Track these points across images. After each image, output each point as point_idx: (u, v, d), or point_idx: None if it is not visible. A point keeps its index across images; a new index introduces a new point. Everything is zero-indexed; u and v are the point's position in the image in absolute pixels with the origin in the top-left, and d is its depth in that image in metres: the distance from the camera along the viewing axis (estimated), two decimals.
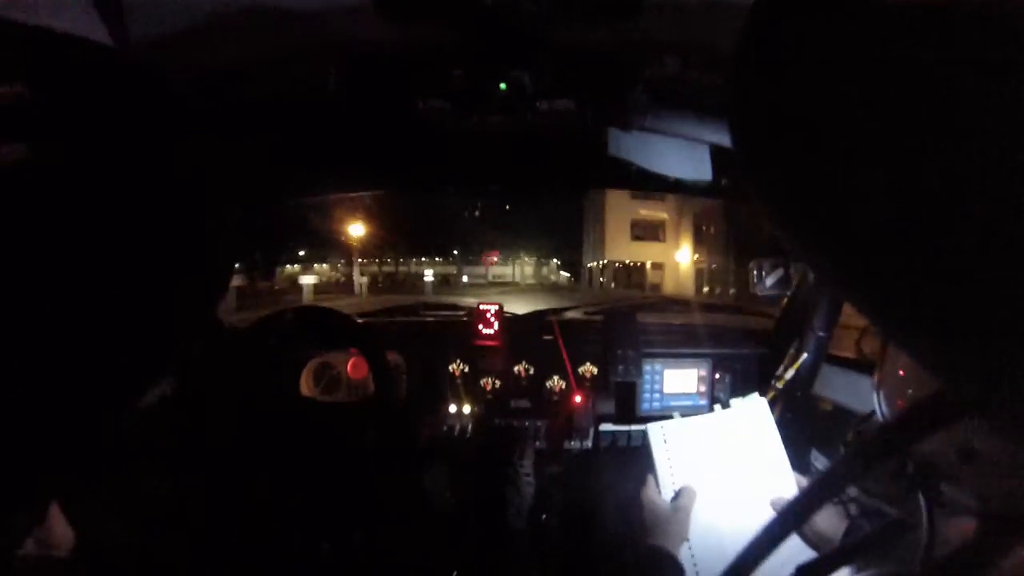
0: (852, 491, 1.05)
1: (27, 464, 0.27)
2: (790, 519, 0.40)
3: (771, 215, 0.32)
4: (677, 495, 0.95)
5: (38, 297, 0.25)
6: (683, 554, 0.89)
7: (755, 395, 1.17)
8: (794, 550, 0.90)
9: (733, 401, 1.17)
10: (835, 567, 0.66)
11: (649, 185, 1.27)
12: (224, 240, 0.35)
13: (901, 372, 0.68)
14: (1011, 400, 0.24)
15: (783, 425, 1.08)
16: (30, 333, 0.25)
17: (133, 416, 0.88)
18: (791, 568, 0.66)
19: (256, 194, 1.36)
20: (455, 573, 1.36)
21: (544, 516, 1.45)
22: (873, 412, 0.64)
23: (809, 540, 0.91)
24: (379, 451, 1.38)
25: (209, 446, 1.12)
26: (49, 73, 0.27)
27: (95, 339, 0.27)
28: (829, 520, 0.91)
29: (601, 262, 27.68)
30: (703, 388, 1.57)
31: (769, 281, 1.28)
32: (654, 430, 1.05)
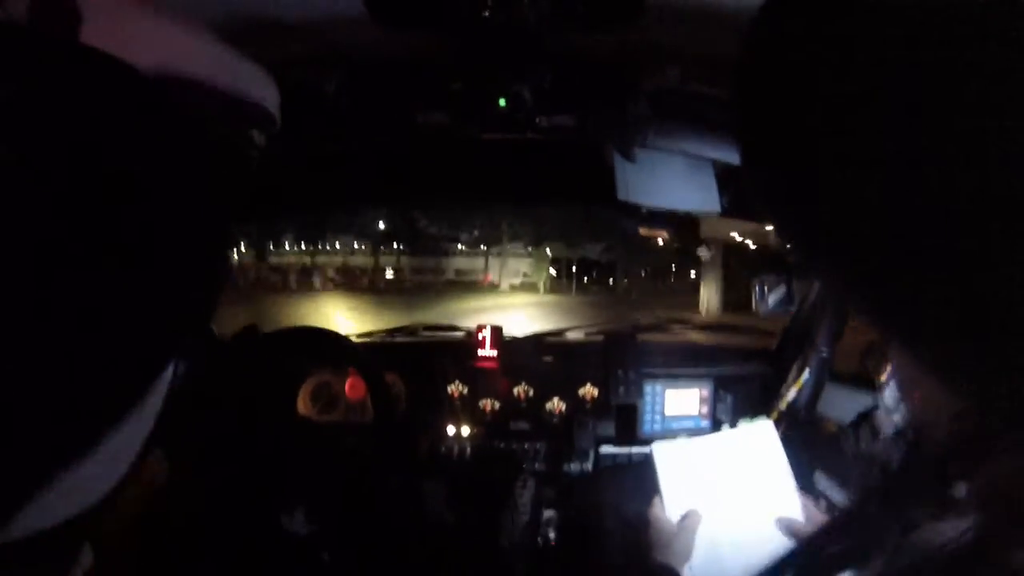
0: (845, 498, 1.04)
1: (26, 465, 0.26)
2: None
3: (776, 220, 0.32)
4: (684, 516, 0.94)
5: (33, 297, 0.25)
6: (684, 573, 0.88)
7: (763, 418, 1.16)
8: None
9: (741, 423, 1.16)
10: (828, 570, 0.64)
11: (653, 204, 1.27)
12: (222, 240, 0.35)
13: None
14: (1011, 401, 0.24)
15: (786, 445, 1.06)
16: (27, 333, 0.25)
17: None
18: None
19: (252, 204, 1.36)
20: None
21: (540, 539, 1.42)
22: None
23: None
24: (377, 472, 1.36)
25: (206, 463, 1.10)
26: (48, 75, 0.27)
27: (88, 341, 0.27)
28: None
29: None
30: (705, 409, 1.56)
31: (772, 299, 1.28)
32: (659, 449, 1.04)
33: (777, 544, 0.93)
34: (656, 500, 0.99)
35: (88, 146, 0.27)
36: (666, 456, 1.03)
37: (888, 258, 0.25)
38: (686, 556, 0.90)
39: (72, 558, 0.41)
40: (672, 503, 0.98)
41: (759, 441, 1.07)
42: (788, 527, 0.93)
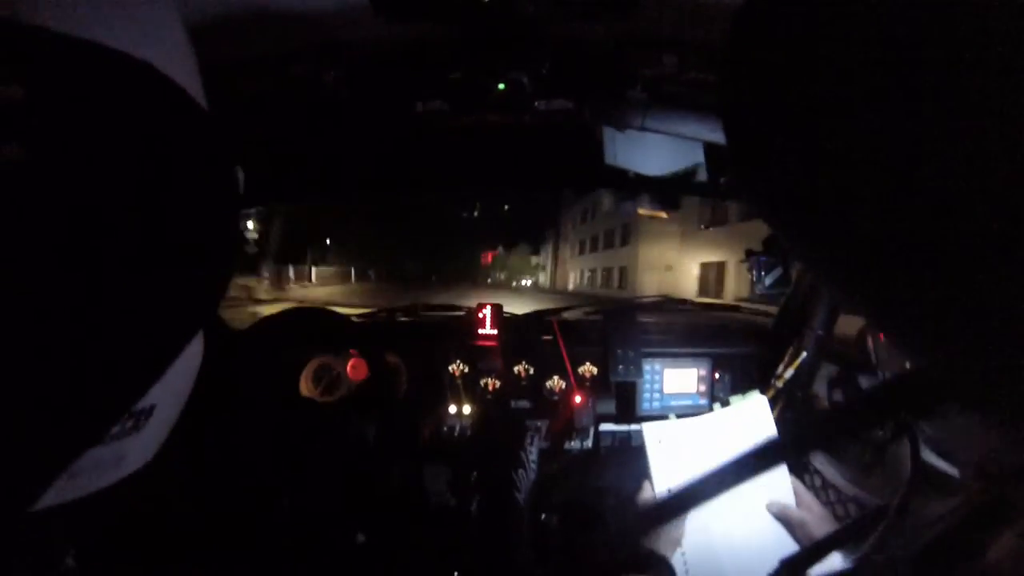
0: (845, 489, 1.06)
1: (30, 464, 0.27)
2: (742, 471, 0.40)
3: (767, 215, 0.32)
4: None
5: (37, 296, 0.25)
6: (675, 559, 0.89)
7: (756, 393, 1.17)
8: (780, 546, 0.90)
9: (733, 399, 1.17)
10: (818, 558, 0.66)
11: (650, 186, 1.27)
12: (226, 235, 0.35)
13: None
14: (1011, 399, 0.24)
15: (783, 424, 1.08)
16: (29, 332, 0.25)
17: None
18: (775, 562, 0.67)
19: (252, 196, 1.36)
20: (456, 574, 1.36)
21: (543, 515, 1.45)
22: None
23: (801, 542, 0.91)
24: (379, 452, 1.38)
25: (209, 446, 1.12)
26: (50, 73, 0.27)
27: (95, 337, 0.27)
28: (821, 524, 0.91)
29: None
30: (703, 388, 1.58)
31: (768, 280, 1.28)
32: (649, 431, 1.04)
33: (768, 528, 0.94)
34: (646, 486, 1.00)
35: (101, 144, 0.27)
36: (657, 438, 1.03)
37: (884, 255, 0.24)
38: (675, 542, 0.90)
39: (63, 548, 0.42)
40: (662, 486, 0.98)
41: (751, 418, 1.08)
42: (779, 511, 0.94)
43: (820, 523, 0.92)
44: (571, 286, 40.21)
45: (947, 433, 0.86)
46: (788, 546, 0.91)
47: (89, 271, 0.26)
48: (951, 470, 0.82)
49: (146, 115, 0.30)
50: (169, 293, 0.31)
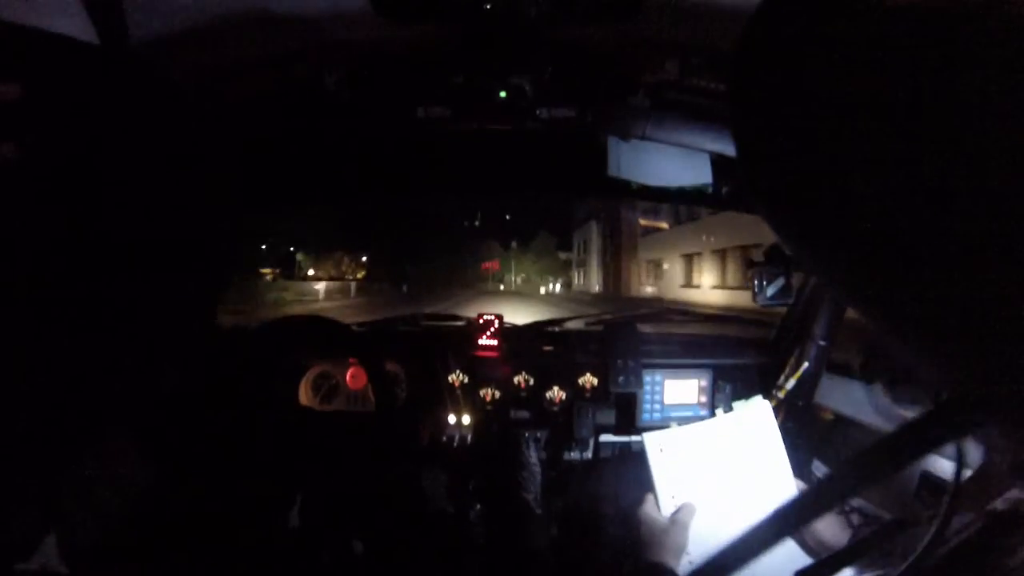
0: (854, 500, 1.05)
1: (26, 463, 0.27)
2: (784, 522, 0.39)
3: (771, 217, 0.32)
4: (676, 510, 0.94)
5: (38, 295, 0.25)
6: (682, 566, 0.88)
7: (758, 398, 1.16)
8: (794, 556, 0.89)
9: (736, 404, 1.16)
10: (834, 570, 0.66)
11: (650, 194, 1.27)
12: (224, 239, 0.35)
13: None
14: (1012, 399, 0.24)
15: (784, 434, 1.07)
16: (29, 332, 0.25)
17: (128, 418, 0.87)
18: (789, 572, 0.66)
19: (252, 199, 1.36)
20: None
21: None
22: None
23: (811, 548, 0.90)
24: (378, 461, 1.37)
25: (207, 453, 1.11)
26: (51, 73, 0.27)
27: (93, 338, 0.27)
28: (832, 528, 0.91)
29: None
30: (704, 398, 1.57)
31: (770, 291, 1.28)
32: (650, 440, 1.03)
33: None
34: (648, 497, 0.99)
35: (94, 145, 0.27)
36: (658, 447, 1.02)
37: (887, 257, 0.25)
38: (680, 550, 0.89)
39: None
40: (666, 495, 0.97)
41: (754, 422, 1.07)
42: None
43: (828, 526, 0.91)
44: (649, 289, 23.71)
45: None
46: (794, 551, 0.90)
47: (89, 271, 0.26)
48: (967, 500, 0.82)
49: (140, 119, 0.30)
50: (167, 293, 0.31)
